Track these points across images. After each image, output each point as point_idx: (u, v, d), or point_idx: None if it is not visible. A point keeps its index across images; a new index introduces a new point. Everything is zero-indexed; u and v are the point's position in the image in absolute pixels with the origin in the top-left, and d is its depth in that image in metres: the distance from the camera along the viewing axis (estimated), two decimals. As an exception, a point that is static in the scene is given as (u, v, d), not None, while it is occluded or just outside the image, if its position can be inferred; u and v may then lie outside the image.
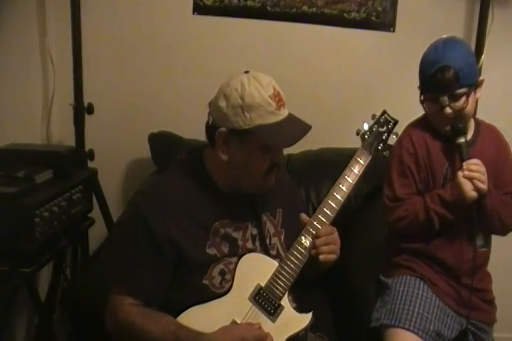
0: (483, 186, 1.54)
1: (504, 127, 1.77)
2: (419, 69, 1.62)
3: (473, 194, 1.54)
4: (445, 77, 1.52)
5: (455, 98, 1.56)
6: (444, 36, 1.63)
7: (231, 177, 1.40)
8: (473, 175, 1.54)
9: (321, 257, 1.36)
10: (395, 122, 1.50)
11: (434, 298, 1.63)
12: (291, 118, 1.35)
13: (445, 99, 1.55)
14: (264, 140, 1.31)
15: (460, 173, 1.55)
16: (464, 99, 1.56)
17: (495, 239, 1.74)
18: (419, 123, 1.72)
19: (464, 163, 1.56)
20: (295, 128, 1.34)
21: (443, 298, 1.64)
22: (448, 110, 1.56)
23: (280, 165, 1.42)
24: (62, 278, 2.17)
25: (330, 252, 1.38)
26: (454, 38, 1.64)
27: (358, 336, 1.72)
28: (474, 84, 1.59)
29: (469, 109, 1.59)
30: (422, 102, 1.61)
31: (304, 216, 1.41)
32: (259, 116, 1.29)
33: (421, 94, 1.63)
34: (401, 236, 1.72)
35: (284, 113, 1.34)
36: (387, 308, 1.62)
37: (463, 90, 1.55)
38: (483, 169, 1.56)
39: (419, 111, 1.73)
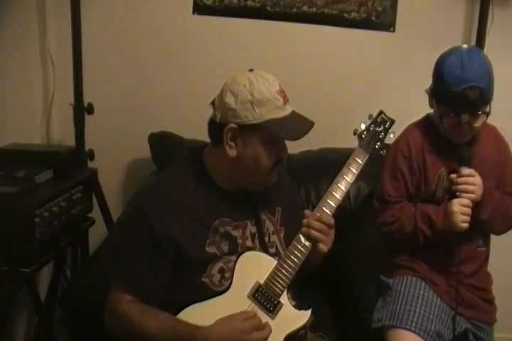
0: (475, 198, 1.55)
1: (504, 126, 1.77)
2: (438, 80, 1.56)
3: (463, 226, 1.54)
4: (472, 97, 1.48)
5: (475, 116, 1.54)
6: (465, 46, 1.58)
7: (234, 175, 1.40)
8: (468, 189, 1.55)
9: (304, 229, 1.39)
10: (392, 122, 1.52)
11: (435, 298, 1.63)
12: (295, 113, 1.39)
13: (466, 117, 1.52)
14: (275, 133, 1.33)
15: (455, 202, 1.55)
16: (483, 117, 1.55)
17: (495, 239, 1.74)
18: (420, 126, 1.71)
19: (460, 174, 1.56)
20: (301, 122, 1.37)
21: (444, 297, 1.64)
22: (465, 127, 1.54)
23: (283, 161, 1.44)
24: (62, 278, 2.17)
25: (319, 238, 1.39)
26: (476, 49, 1.61)
27: (358, 336, 1.72)
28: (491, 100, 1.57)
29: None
30: (441, 117, 1.58)
31: (308, 212, 1.43)
32: (268, 111, 1.31)
33: (436, 103, 1.59)
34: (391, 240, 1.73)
35: (289, 109, 1.37)
36: (388, 309, 1.62)
37: (483, 108, 1.54)
38: (473, 179, 1.56)
39: (418, 111, 1.74)
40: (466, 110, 1.52)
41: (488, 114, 1.55)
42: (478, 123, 1.56)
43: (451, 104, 1.54)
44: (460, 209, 1.54)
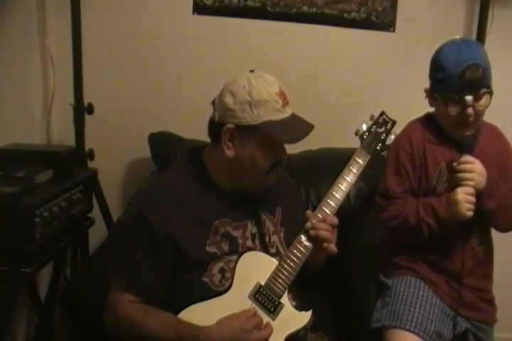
0: (475, 185, 1.54)
1: (505, 126, 1.77)
2: (437, 69, 1.57)
3: (468, 214, 1.54)
4: (474, 75, 1.49)
5: (478, 98, 1.53)
6: (458, 37, 1.60)
7: (233, 176, 1.40)
8: (465, 176, 1.54)
9: (313, 232, 1.39)
10: (394, 123, 1.51)
11: (434, 299, 1.63)
12: (295, 116, 1.38)
13: (471, 98, 1.51)
14: (272, 136, 1.32)
15: (459, 190, 1.54)
16: (486, 97, 1.54)
17: (495, 238, 1.74)
18: (421, 122, 1.71)
19: (458, 161, 1.56)
20: (300, 125, 1.36)
21: (443, 298, 1.64)
22: (470, 110, 1.53)
23: (282, 163, 1.44)
24: (62, 278, 2.17)
25: (326, 238, 1.39)
26: (468, 38, 1.62)
27: (358, 336, 1.72)
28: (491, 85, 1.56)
29: (485, 111, 1.58)
30: (445, 105, 1.56)
31: (309, 212, 1.43)
32: (266, 113, 1.31)
33: (439, 94, 1.58)
34: (394, 237, 1.73)
35: (289, 111, 1.36)
36: (387, 309, 1.62)
37: (485, 90, 1.53)
38: (471, 166, 1.55)
39: (419, 111, 1.74)
40: (469, 90, 1.51)
41: (491, 94, 1.55)
42: (482, 105, 1.55)
43: (454, 87, 1.53)
44: (465, 197, 1.53)
